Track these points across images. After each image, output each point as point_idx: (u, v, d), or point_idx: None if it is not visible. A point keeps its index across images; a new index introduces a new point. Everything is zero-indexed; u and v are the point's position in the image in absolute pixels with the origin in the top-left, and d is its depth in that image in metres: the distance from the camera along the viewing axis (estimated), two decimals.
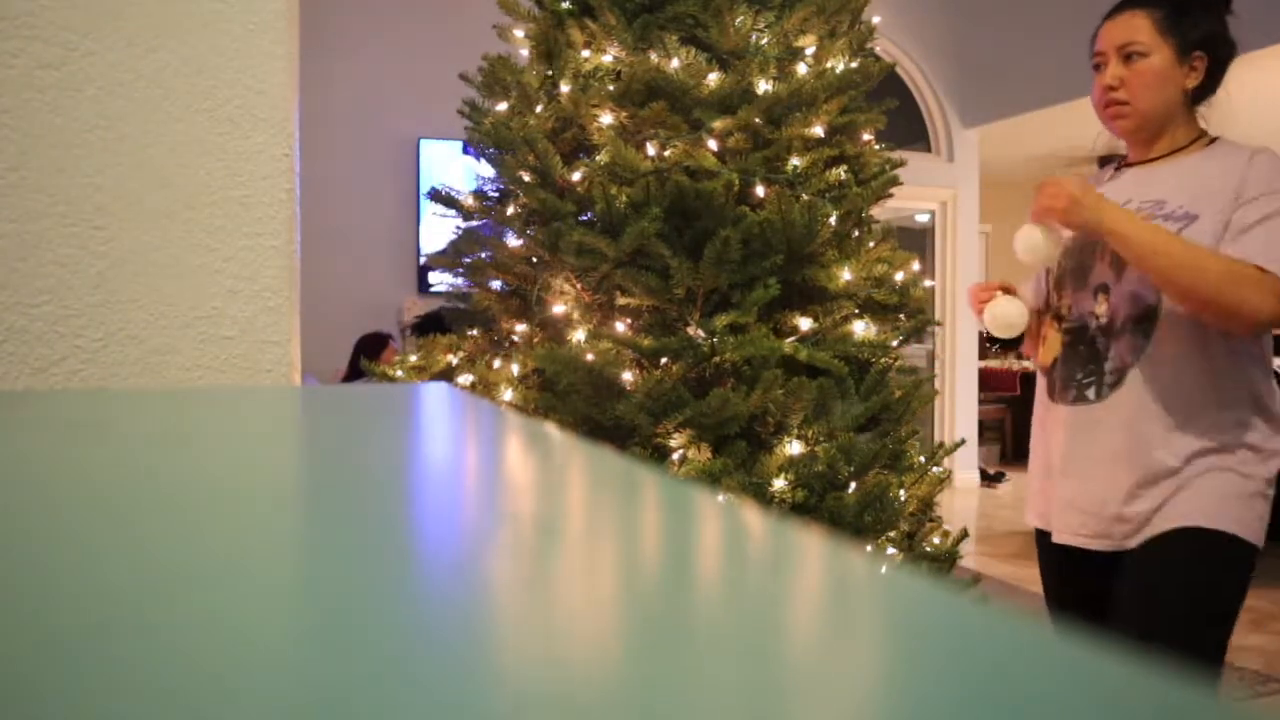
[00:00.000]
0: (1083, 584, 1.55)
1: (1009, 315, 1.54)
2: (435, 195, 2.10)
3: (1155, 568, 1.43)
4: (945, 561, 2.01)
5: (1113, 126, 1.50)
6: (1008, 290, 1.58)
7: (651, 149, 1.87)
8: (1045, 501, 1.57)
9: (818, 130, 1.91)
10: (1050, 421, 1.56)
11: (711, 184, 1.79)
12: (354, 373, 3.87)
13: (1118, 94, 1.46)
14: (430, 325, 3.01)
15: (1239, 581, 1.41)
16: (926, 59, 6.19)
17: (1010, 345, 1.67)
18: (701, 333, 1.78)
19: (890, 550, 1.87)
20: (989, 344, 1.70)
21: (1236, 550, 1.40)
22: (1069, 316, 1.54)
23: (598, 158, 1.91)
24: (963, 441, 2.55)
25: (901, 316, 2.03)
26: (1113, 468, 1.45)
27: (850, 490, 1.79)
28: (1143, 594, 1.44)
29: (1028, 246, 1.49)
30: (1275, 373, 1.48)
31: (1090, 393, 1.49)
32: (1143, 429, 1.43)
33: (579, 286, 1.90)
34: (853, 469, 1.79)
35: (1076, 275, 1.54)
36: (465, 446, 0.51)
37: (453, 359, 2.07)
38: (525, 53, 2.12)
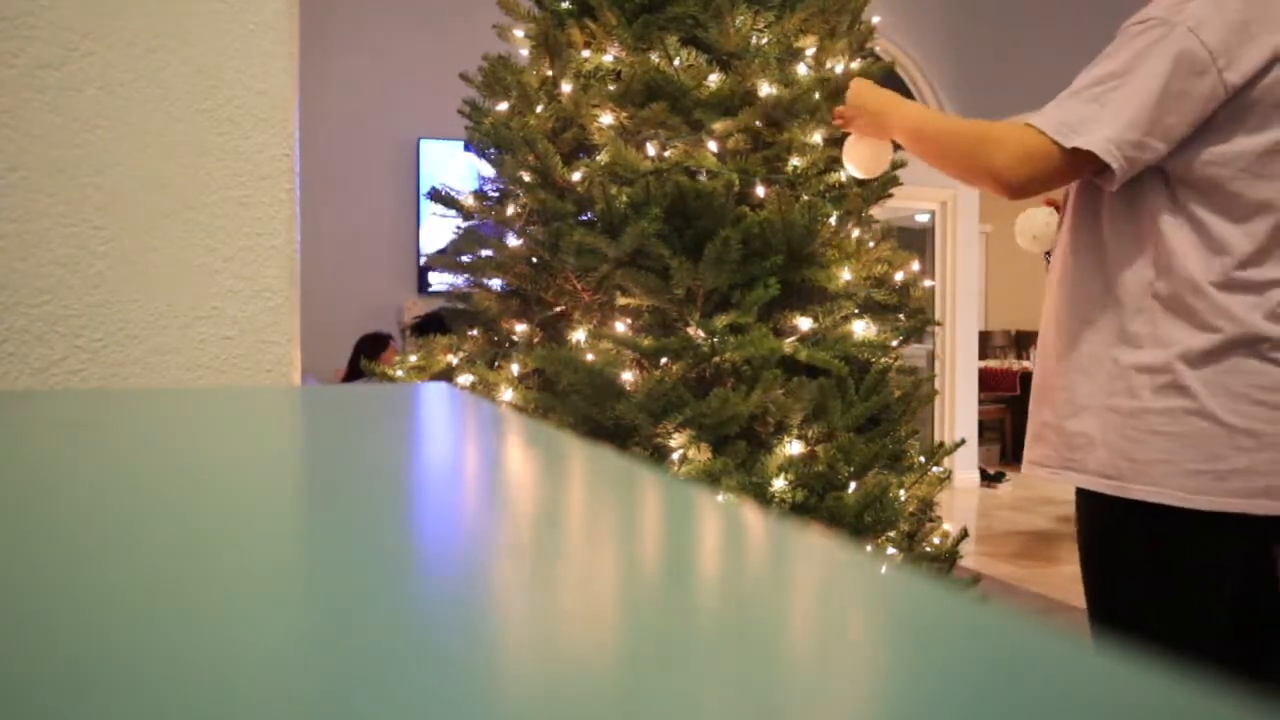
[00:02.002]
0: None
1: (1034, 227, 1.43)
2: (435, 195, 2.10)
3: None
4: (945, 561, 2.01)
5: None
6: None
7: (651, 149, 1.87)
8: None
9: (817, 138, 1.91)
10: None
11: (711, 184, 1.78)
12: (354, 373, 3.87)
13: None
14: (430, 325, 3.01)
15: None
16: (926, 59, 6.19)
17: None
18: (701, 333, 1.78)
19: (890, 550, 1.87)
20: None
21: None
22: None
23: (598, 158, 1.91)
24: (963, 441, 2.55)
25: (901, 316, 2.03)
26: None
27: (850, 490, 1.79)
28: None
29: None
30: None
31: None
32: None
33: (579, 286, 1.90)
34: (852, 469, 1.79)
35: None
36: (465, 447, 0.51)
37: (453, 359, 2.07)
38: (525, 53, 2.12)
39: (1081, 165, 1.18)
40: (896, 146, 1.48)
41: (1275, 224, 1.16)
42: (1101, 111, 1.16)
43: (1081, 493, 1.26)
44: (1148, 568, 1.20)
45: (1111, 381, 1.21)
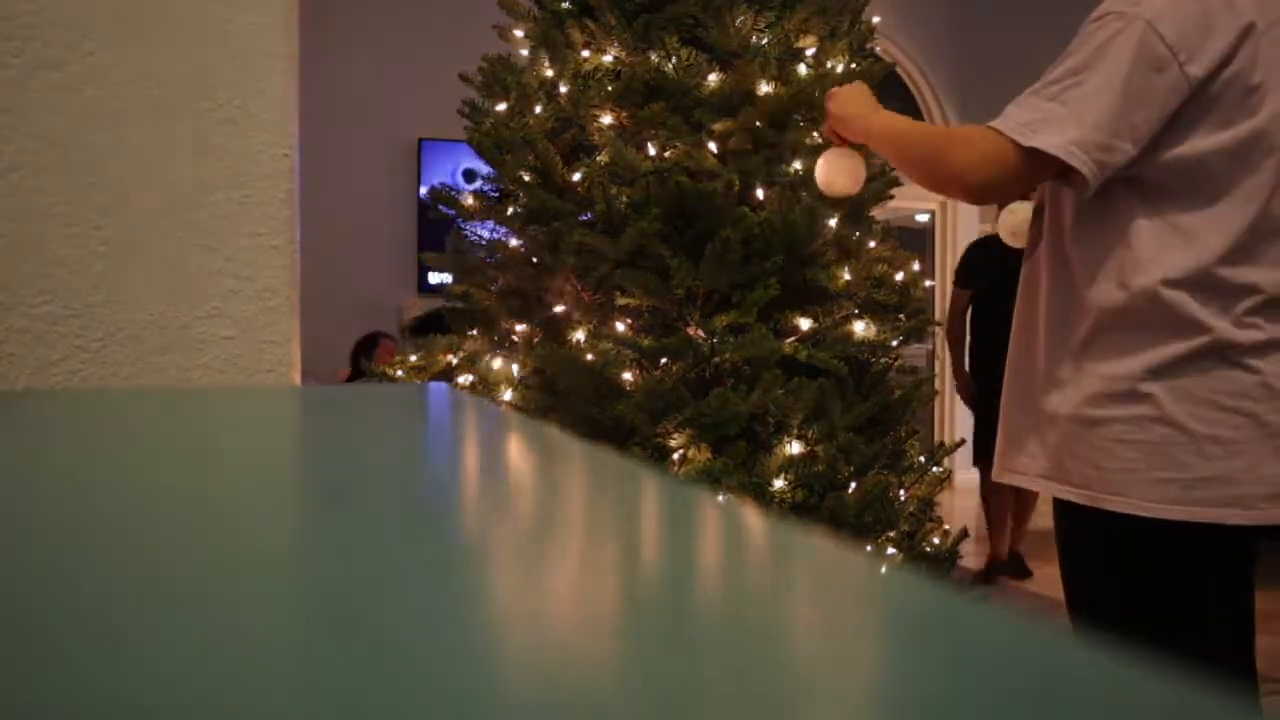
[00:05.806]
0: None
1: (1015, 221, 1.37)
2: (435, 195, 2.10)
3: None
4: (945, 561, 2.01)
5: None
6: None
7: (651, 149, 1.87)
8: None
9: (818, 136, 1.91)
10: None
11: (712, 184, 1.78)
12: (357, 373, 3.87)
13: None
14: (430, 325, 3.01)
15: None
16: (926, 59, 6.18)
17: None
18: (701, 333, 1.78)
19: (890, 550, 1.87)
20: None
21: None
22: None
23: (598, 158, 1.91)
24: (963, 441, 2.55)
25: (901, 316, 2.03)
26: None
27: (850, 490, 1.79)
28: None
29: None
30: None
31: None
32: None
33: (579, 286, 1.90)
34: (853, 469, 1.79)
35: None
36: (464, 447, 0.51)
37: (453, 359, 2.07)
38: (525, 53, 2.12)
39: (1043, 166, 1.13)
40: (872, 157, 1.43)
41: (1246, 225, 1.11)
42: (1062, 110, 1.11)
43: (1058, 502, 1.24)
44: (1126, 577, 1.18)
45: (1076, 391, 1.17)
